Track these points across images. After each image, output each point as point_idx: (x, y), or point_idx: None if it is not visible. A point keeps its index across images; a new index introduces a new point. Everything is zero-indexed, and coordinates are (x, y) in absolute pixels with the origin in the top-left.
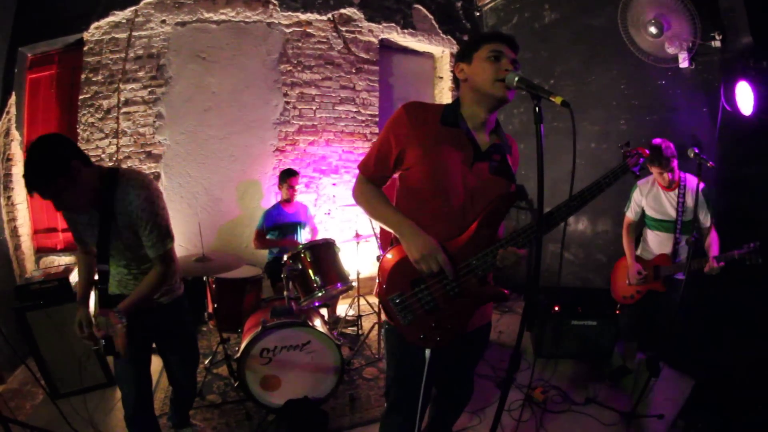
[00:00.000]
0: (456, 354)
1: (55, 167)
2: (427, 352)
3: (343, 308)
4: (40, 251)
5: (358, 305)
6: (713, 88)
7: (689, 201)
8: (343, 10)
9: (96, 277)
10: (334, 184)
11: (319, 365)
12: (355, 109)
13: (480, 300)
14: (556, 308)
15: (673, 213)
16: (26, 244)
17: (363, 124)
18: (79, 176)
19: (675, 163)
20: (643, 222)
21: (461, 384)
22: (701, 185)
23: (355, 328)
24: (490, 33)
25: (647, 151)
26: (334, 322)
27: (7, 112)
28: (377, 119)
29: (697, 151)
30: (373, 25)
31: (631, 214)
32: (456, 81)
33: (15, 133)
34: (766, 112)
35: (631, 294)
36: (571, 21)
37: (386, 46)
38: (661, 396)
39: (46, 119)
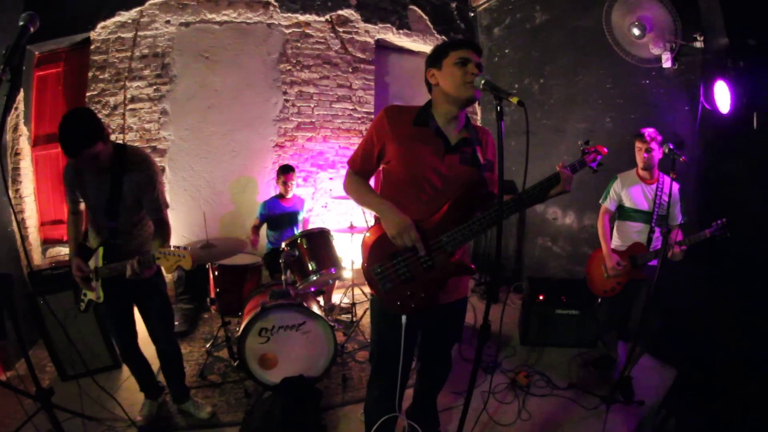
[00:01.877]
0: (434, 325)
1: (97, 132)
2: (404, 318)
3: (338, 297)
4: (47, 242)
5: (353, 294)
6: (695, 87)
7: (665, 198)
8: (340, 12)
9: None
10: (331, 179)
11: (313, 345)
12: (351, 107)
13: (449, 273)
14: (541, 297)
15: (649, 205)
16: (33, 235)
17: (359, 121)
18: (108, 142)
19: (654, 145)
20: (616, 215)
21: (440, 355)
22: (676, 185)
23: (349, 315)
24: (456, 40)
25: (605, 149)
26: (329, 309)
27: (16, 108)
28: (373, 116)
29: (671, 146)
30: (370, 25)
31: (608, 204)
32: (428, 85)
33: (23, 129)
34: (742, 110)
35: (612, 287)
36: (561, 22)
37: (382, 46)
38: (643, 383)
39: (54, 115)
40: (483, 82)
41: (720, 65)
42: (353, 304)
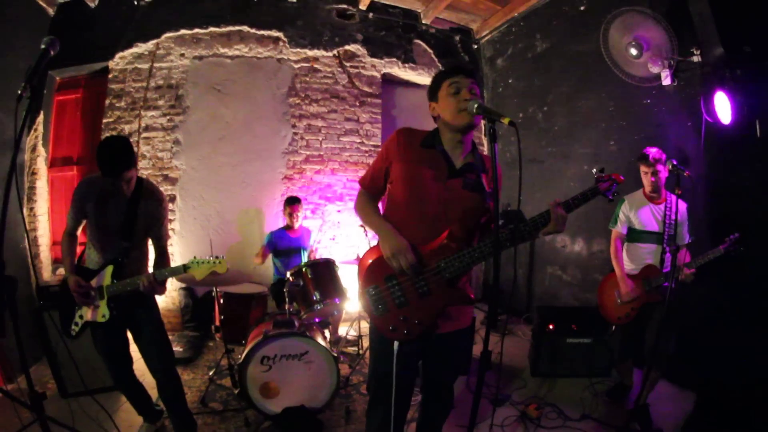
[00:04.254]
0: (434, 355)
1: (134, 158)
2: (395, 344)
3: (344, 329)
4: (57, 262)
5: (359, 326)
6: (696, 101)
7: (673, 217)
8: (347, 47)
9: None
10: (339, 211)
11: (316, 376)
12: (359, 140)
13: (447, 300)
14: (551, 326)
15: (659, 226)
16: (45, 254)
17: (366, 154)
18: (137, 170)
19: (660, 166)
20: (626, 237)
21: (440, 388)
22: (684, 204)
23: (356, 348)
24: (447, 68)
25: (622, 178)
26: (335, 341)
27: (35, 129)
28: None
29: (675, 162)
30: (376, 60)
31: (619, 228)
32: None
33: (41, 150)
34: (744, 119)
35: (626, 312)
36: (561, 49)
37: (388, 80)
38: (660, 411)
39: (71, 139)
40: (476, 106)
41: (718, 76)
42: (360, 337)
